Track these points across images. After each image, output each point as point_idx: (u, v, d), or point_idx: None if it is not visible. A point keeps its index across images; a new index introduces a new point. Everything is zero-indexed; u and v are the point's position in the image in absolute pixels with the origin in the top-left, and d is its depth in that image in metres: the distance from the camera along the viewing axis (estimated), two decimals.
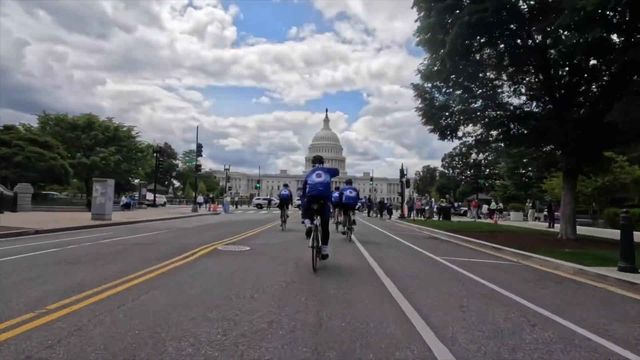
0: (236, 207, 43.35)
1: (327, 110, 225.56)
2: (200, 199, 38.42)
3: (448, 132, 13.92)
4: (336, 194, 12.20)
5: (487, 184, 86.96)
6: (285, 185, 17.54)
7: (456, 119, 13.77)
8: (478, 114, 13.42)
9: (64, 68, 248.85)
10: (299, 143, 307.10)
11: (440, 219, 25.14)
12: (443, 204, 28.60)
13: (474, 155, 74.62)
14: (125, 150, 45.33)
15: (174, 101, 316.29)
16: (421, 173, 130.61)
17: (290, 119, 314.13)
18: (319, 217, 6.54)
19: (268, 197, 49.65)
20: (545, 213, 25.42)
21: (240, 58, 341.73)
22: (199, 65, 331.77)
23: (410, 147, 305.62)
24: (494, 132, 14.13)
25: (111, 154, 42.76)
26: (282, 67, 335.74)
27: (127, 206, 28.47)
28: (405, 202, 28.29)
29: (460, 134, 14.22)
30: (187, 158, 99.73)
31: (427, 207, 27.40)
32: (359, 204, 45.69)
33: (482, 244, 11.23)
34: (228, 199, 35.67)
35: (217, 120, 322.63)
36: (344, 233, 12.29)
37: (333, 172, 6.94)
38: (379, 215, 26.86)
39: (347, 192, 11.59)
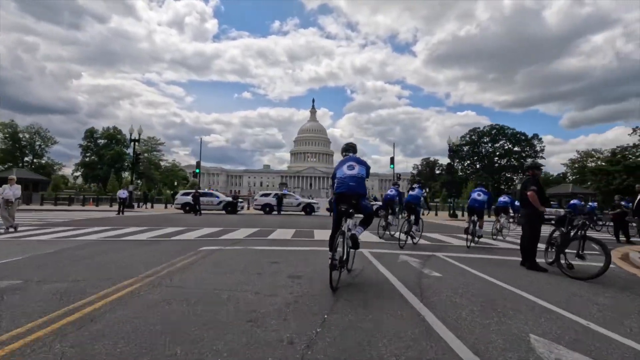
0: (136, 206, 26.50)
1: (313, 101, 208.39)
2: None
3: None
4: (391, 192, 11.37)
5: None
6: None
7: None
8: None
9: (35, 59, 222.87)
10: (284, 140, 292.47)
11: None
12: None
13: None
14: None
15: (155, 96, 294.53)
16: (419, 167, 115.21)
17: (275, 115, 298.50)
18: (349, 220, 4.64)
19: (213, 190, 30.57)
20: None
21: (223, 52, 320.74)
22: (179, 59, 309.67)
23: (395, 144, 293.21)
24: None
25: None
26: (265, 61, 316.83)
27: None
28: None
29: None
30: (144, 147, 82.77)
31: None
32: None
33: None
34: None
35: (199, 116, 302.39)
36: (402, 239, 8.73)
37: (368, 168, 5.14)
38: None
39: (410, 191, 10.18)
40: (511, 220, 12.81)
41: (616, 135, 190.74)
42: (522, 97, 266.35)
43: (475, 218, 9.69)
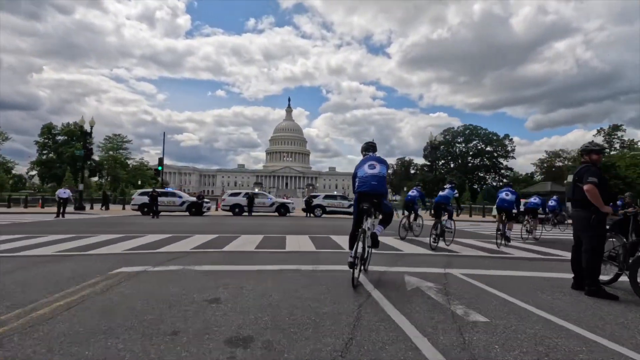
0: (89, 207, 23.86)
1: (289, 100, 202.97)
2: None
3: None
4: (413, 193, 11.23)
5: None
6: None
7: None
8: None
9: None
10: (259, 139, 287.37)
11: None
12: None
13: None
14: None
15: (124, 93, 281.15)
16: (395, 166, 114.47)
17: (250, 114, 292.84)
18: (369, 219, 4.72)
19: (185, 189, 27.26)
20: None
21: (196, 49, 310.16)
22: (150, 55, 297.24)
23: None
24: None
25: None
26: (240, 59, 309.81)
27: None
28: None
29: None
30: (109, 144, 77.65)
31: None
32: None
33: None
34: None
35: (171, 115, 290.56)
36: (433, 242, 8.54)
37: (388, 167, 5.16)
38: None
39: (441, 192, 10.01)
40: (540, 223, 12.11)
41: (576, 138, 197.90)
42: (491, 100, 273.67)
43: (504, 218, 9.55)
